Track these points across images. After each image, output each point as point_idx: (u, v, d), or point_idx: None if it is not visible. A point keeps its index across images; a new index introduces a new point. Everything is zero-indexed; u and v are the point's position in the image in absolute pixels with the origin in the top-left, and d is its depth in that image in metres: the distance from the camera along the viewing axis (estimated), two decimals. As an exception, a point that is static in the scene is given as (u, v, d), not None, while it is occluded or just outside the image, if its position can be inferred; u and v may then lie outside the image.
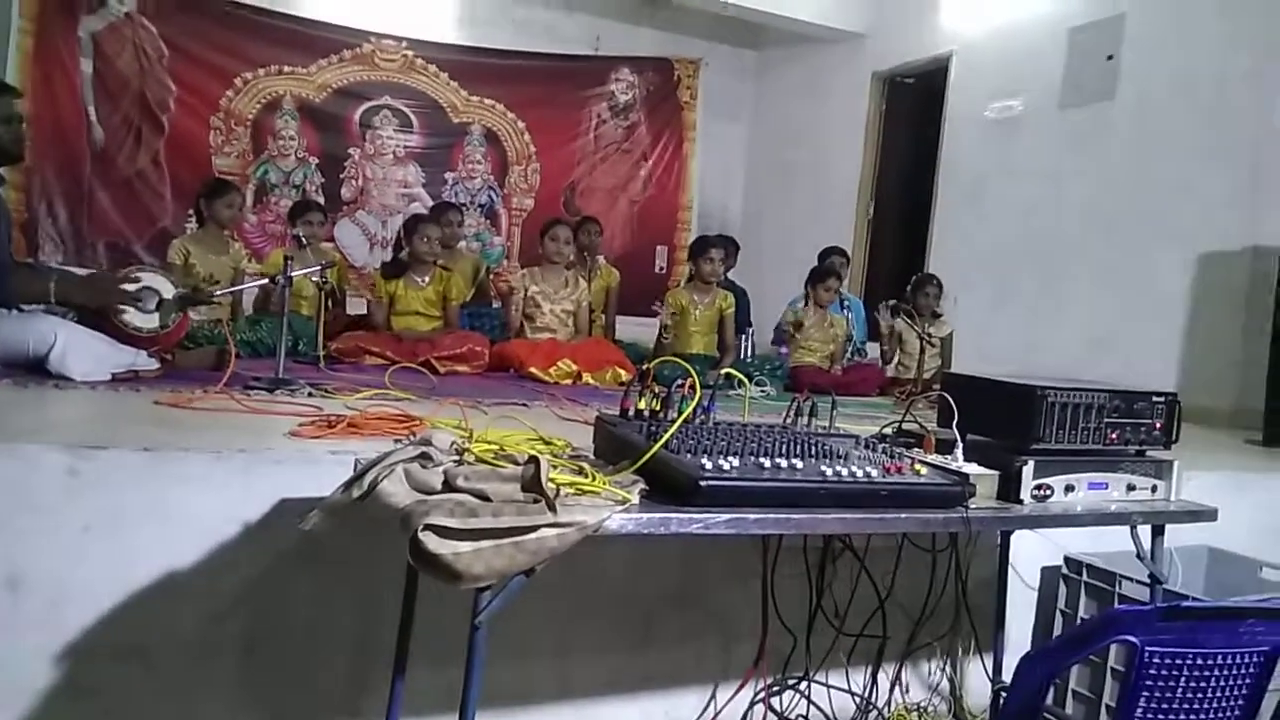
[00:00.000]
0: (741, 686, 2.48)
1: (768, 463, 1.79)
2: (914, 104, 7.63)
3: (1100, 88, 5.80)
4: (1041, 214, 6.08)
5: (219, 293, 3.13)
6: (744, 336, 5.22)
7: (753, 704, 2.51)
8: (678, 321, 5.09)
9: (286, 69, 7.48)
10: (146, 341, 3.05)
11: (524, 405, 3.34)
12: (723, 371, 2.58)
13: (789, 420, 2.21)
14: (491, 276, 6.57)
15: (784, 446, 1.89)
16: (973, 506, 1.86)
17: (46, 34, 6.76)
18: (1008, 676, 2.77)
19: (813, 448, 1.91)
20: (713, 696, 2.51)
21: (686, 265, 6.51)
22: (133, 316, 2.98)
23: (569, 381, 4.28)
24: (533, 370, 4.28)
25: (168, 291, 3.06)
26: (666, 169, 8.71)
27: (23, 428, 2.28)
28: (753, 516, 1.67)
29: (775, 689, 2.51)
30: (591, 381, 4.34)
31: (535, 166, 8.40)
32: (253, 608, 2.07)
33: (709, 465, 1.72)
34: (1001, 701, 2.72)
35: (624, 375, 4.45)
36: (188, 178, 7.00)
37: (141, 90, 7.07)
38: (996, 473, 1.99)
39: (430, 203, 7.83)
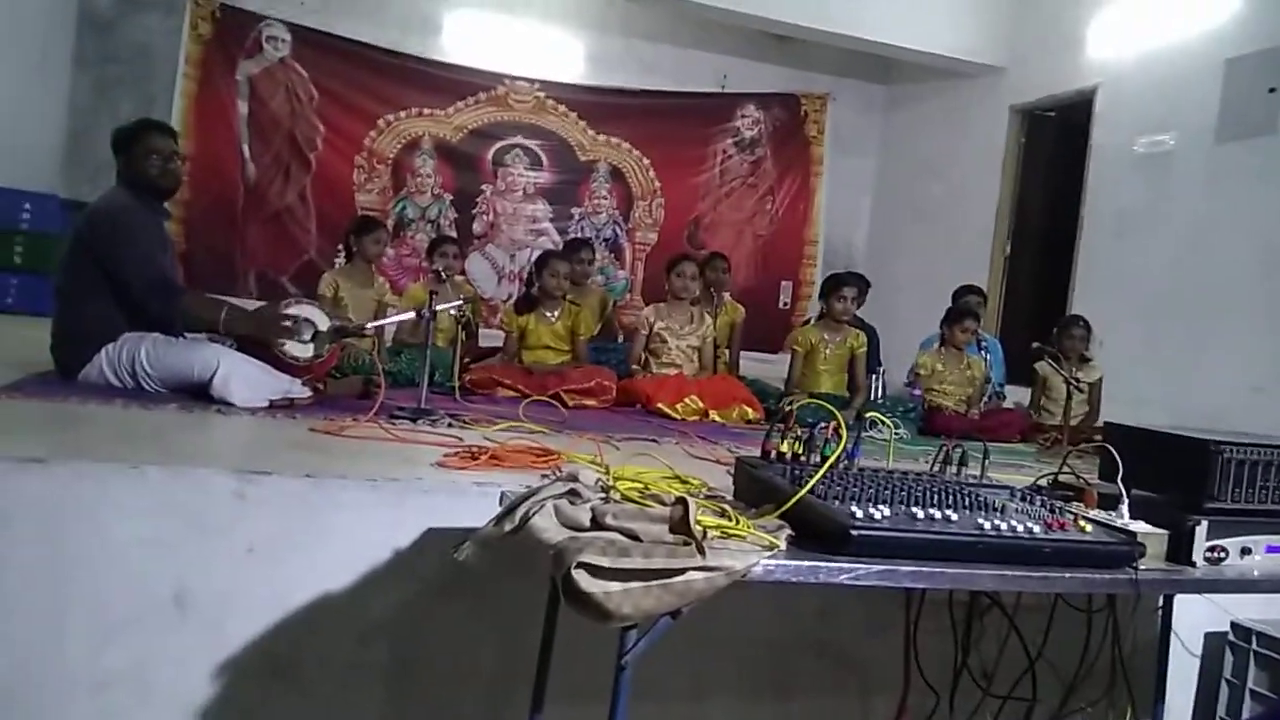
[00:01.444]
0: (880, 744, 2.39)
1: (920, 513, 1.73)
2: (1055, 138, 7.38)
3: (1261, 121, 5.47)
4: (1196, 253, 5.76)
5: (370, 325, 3.26)
6: (874, 376, 5.10)
7: (891, 761, 2.42)
8: (807, 360, 5.02)
9: (426, 111, 7.81)
10: (301, 370, 3.20)
11: (654, 441, 3.35)
12: (863, 413, 2.52)
13: (936, 468, 2.14)
14: (616, 311, 6.65)
15: (936, 496, 1.82)
16: (1140, 568, 1.75)
17: (208, 78, 7.27)
18: (1167, 749, 2.59)
19: (966, 498, 1.84)
20: (849, 752, 2.43)
21: (816, 301, 6.43)
22: (291, 347, 3.14)
23: (696, 418, 4.27)
24: (660, 406, 4.29)
25: (323, 323, 3.21)
26: (792, 204, 8.67)
27: (192, 451, 2.42)
28: (906, 569, 1.62)
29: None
30: (718, 419, 4.32)
31: (660, 201, 8.50)
32: (399, 633, 2.12)
33: (859, 514, 1.67)
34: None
35: (751, 413, 4.41)
36: (332, 213, 7.37)
37: (292, 130, 7.50)
38: (1166, 532, 1.87)
39: (557, 237, 8.01)
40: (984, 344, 5.63)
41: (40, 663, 1.90)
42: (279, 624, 2.05)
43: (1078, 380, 4.71)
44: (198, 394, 3.03)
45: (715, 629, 2.21)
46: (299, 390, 3.18)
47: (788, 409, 2.11)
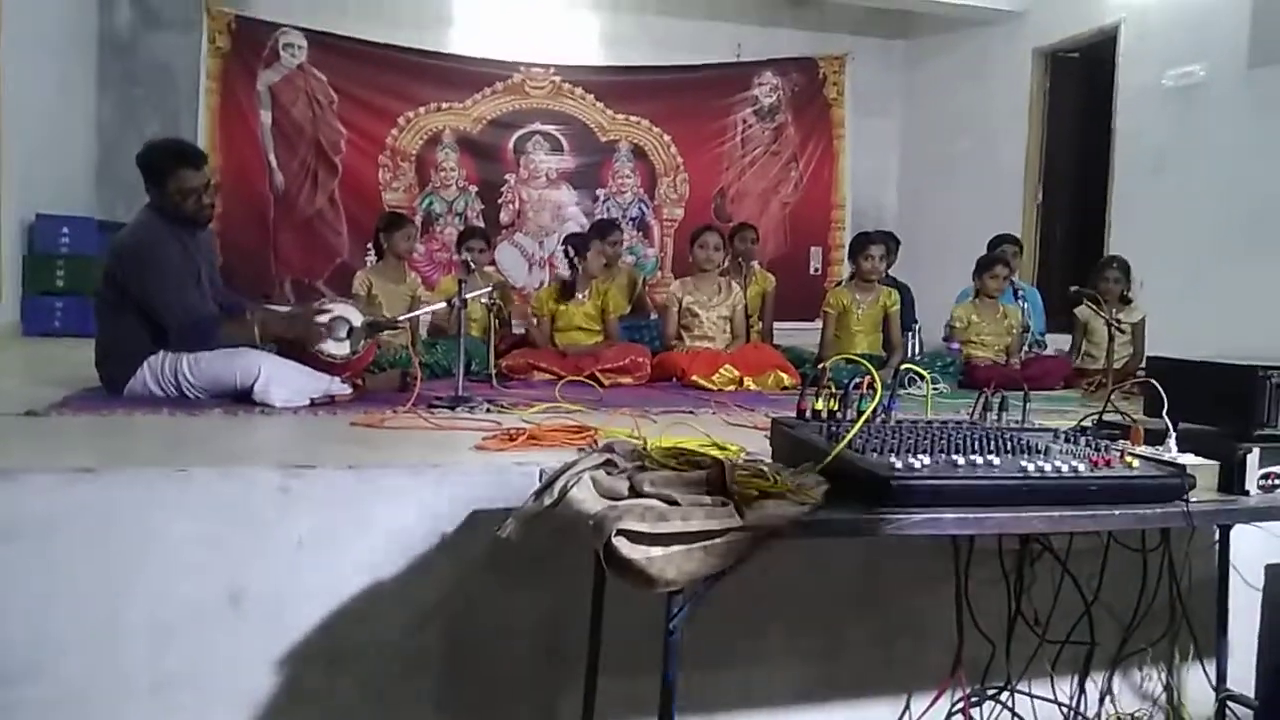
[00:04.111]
0: (938, 697, 2.38)
1: (961, 460, 1.72)
2: (1081, 79, 7.21)
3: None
4: (1236, 185, 5.60)
5: (402, 318, 3.30)
6: (910, 333, 5.05)
7: (950, 714, 2.41)
8: (841, 321, 4.98)
9: (445, 105, 7.83)
10: (340, 368, 3.24)
11: (691, 413, 3.34)
12: (901, 367, 2.50)
13: (976, 416, 2.12)
14: (647, 288, 6.63)
15: (976, 442, 1.81)
16: (1192, 500, 1.72)
17: (229, 91, 7.35)
18: (1233, 684, 2.54)
19: (1008, 443, 1.82)
20: (907, 707, 2.41)
21: (846, 264, 6.37)
22: (328, 345, 3.18)
23: (732, 388, 4.26)
24: (695, 379, 4.28)
25: (357, 320, 3.25)
26: (817, 169, 8.57)
27: (237, 451, 2.47)
28: (950, 516, 1.61)
29: (975, 699, 2.39)
30: (754, 387, 4.31)
31: (684, 176, 8.45)
32: (451, 615, 2.15)
33: (899, 464, 1.66)
34: (1228, 710, 2.51)
35: (786, 379, 4.39)
36: (361, 214, 7.43)
37: (315, 135, 7.57)
38: (1216, 463, 1.83)
39: (584, 220, 8.00)
40: (1021, 293, 5.54)
41: (100, 666, 1.95)
42: (332, 614, 2.08)
43: (1119, 321, 4.62)
44: (241, 399, 3.08)
45: (760, 592, 2.20)
46: (339, 388, 3.23)
47: (821, 366, 2.09)
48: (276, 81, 7.50)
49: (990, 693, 2.41)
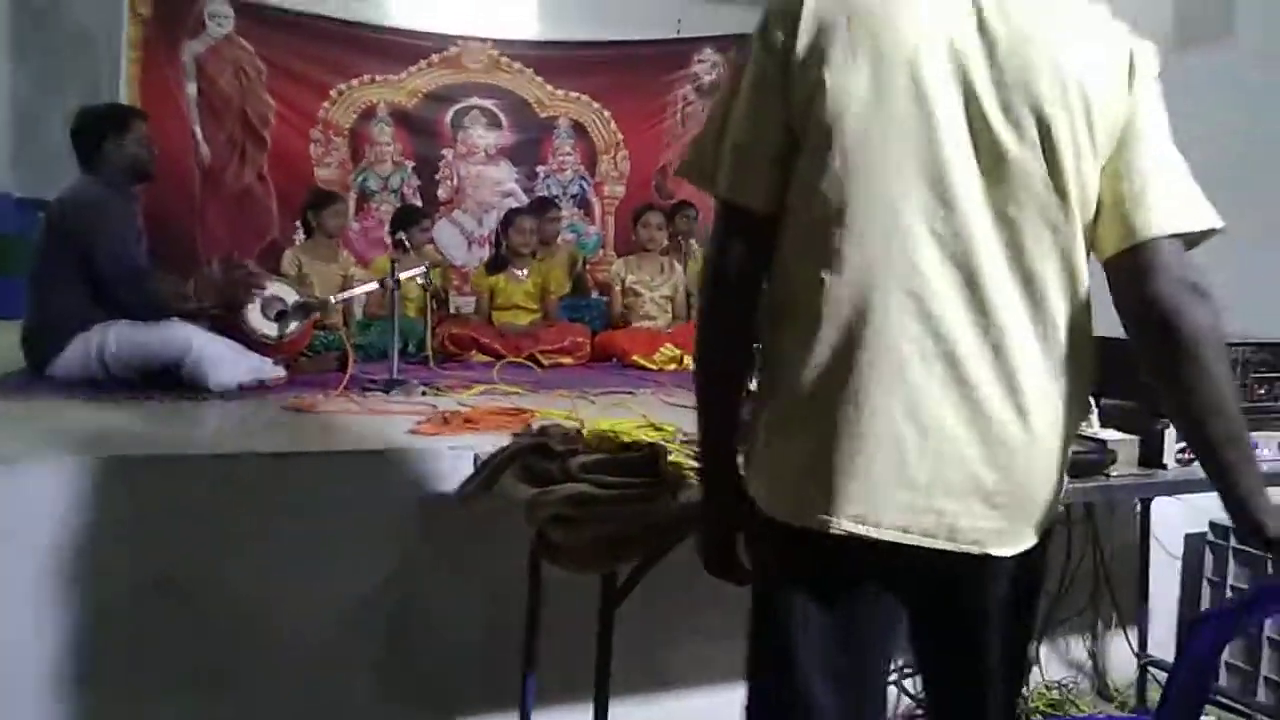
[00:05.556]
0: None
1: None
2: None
3: (1217, 24, 5.43)
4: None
5: (335, 299, 3.23)
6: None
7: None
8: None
9: (379, 78, 7.64)
10: (273, 349, 3.17)
11: (630, 393, 3.34)
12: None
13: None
14: (588, 266, 6.60)
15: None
16: (1113, 474, 1.77)
17: (152, 60, 7.06)
18: (1154, 649, 2.64)
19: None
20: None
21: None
22: (259, 323, 3.11)
23: (673, 367, 4.27)
24: (636, 358, 4.28)
25: (290, 299, 3.18)
26: (757, 146, 8.60)
27: (167, 439, 2.39)
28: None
29: (909, 671, 2.44)
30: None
31: (624, 154, 8.39)
32: (391, 601, 2.12)
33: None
34: (1149, 675, 2.60)
35: (728, 357, 4.40)
36: (292, 190, 7.22)
37: (243, 108, 7.32)
38: (1137, 438, 1.89)
39: (524, 198, 7.91)
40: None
41: (31, 657, 1.90)
42: (266, 605, 2.04)
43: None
44: (168, 378, 2.98)
45: (692, 572, 2.21)
46: (271, 370, 3.15)
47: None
48: (202, 52, 7.23)
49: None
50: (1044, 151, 0.99)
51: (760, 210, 1.03)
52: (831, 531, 1.00)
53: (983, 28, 0.99)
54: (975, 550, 1.02)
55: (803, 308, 1.00)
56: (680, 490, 1.52)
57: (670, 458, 1.61)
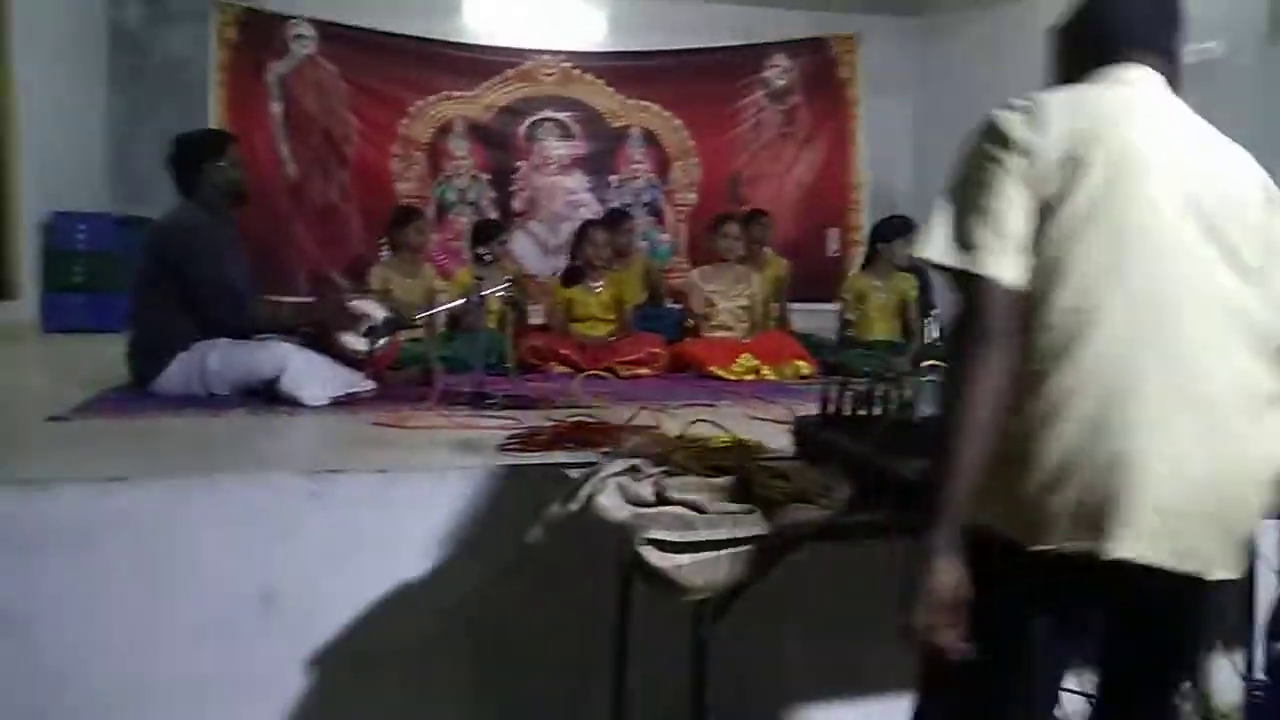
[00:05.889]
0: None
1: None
2: (1097, 56, 7.12)
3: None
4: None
5: (420, 316, 3.32)
6: (929, 319, 5.02)
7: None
8: (858, 308, 4.97)
9: (455, 93, 7.81)
10: (363, 364, 3.27)
11: (710, 405, 3.34)
12: (919, 359, 2.49)
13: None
14: (662, 275, 6.62)
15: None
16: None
17: (240, 83, 7.33)
18: (1260, 672, 2.54)
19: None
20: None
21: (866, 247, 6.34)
22: (352, 340, 3.22)
23: (750, 377, 4.26)
24: (713, 369, 4.29)
25: (379, 316, 3.28)
26: (831, 150, 8.51)
27: (264, 455, 2.49)
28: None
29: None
30: (772, 376, 4.30)
31: (696, 161, 8.40)
32: (478, 618, 2.17)
33: (925, 466, 1.66)
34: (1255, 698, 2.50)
35: (805, 368, 4.39)
36: (374, 204, 7.42)
37: (326, 126, 7.55)
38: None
39: (597, 207, 7.99)
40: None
41: (136, 670, 1.99)
42: (362, 618, 2.11)
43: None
44: (266, 393, 3.10)
45: (784, 593, 2.21)
46: (361, 384, 3.25)
47: (840, 362, 2.08)
48: (287, 73, 7.48)
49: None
50: (1233, 248, 1.24)
51: (1015, 283, 1.21)
52: (1098, 557, 1.16)
53: (1184, 145, 1.27)
54: (1204, 574, 1.20)
55: (1064, 356, 1.19)
56: (775, 513, 1.52)
57: (761, 479, 1.61)
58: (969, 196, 1.26)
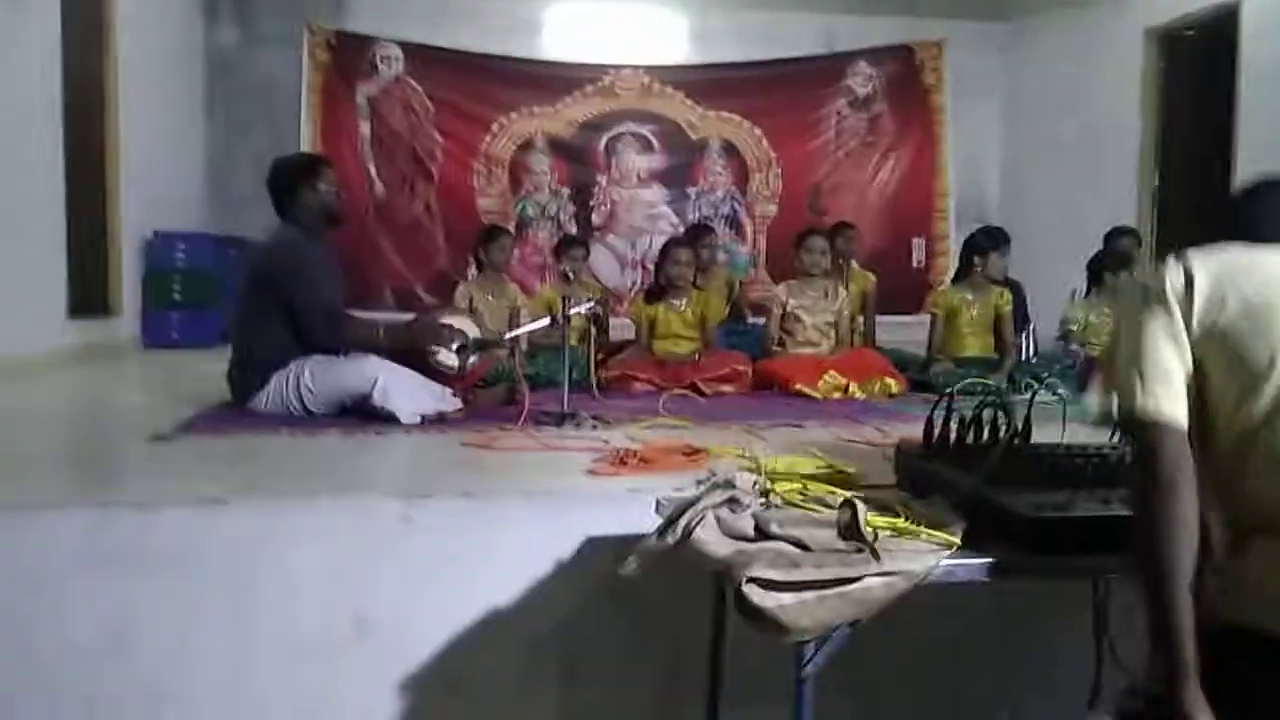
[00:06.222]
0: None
1: (1109, 494, 1.62)
2: (1198, 59, 6.82)
3: None
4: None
5: (509, 335, 3.33)
6: (1024, 334, 4.85)
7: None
8: (949, 323, 4.82)
9: (536, 109, 7.89)
10: (453, 380, 3.30)
11: (798, 426, 3.27)
12: (1016, 376, 2.38)
13: (1117, 441, 2.00)
14: (742, 288, 6.53)
15: (1122, 473, 1.70)
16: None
17: (330, 104, 7.56)
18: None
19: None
20: (1038, 738, 2.31)
21: (954, 259, 6.17)
22: (444, 357, 3.26)
23: (837, 395, 4.16)
24: (799, 386, 4.20)
25: (473, 333, 3.31)
26: (916, 158, 8.35)
27: (358, 477, 2.51)
28: (1105, 561, 1.52)
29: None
30: (859, 394, 4.19)
31: (776, 172, 8.35)
32: (567, 643, 2.14)
33: (1040, 501, 1.58)
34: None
35: (894, 385, 4.27)
36: (456, 220, 7.56)
37: (412, 144, 7.72)
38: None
39: (675, 220, 7.98)
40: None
41: (234, 692, 2.01)
42: (452, 641, 2.09)
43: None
44: (358, 408, 3.14)
45: (882, 628, 2.13)
46: (450, 403, 3.27)
47: (948, 389, 1.99)
48: (375, 93, 7.68)
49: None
50: None
51: (1183, 424, 1.28)
52: None
53: None
54: None
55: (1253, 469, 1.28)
56: (884, 552, 1.46)
57: (867, 515, 1.54)
58: (1133, 351, 1.34)
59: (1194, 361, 1.31)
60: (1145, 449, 1.29)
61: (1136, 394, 1.30)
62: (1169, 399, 1.28)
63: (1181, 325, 1.31)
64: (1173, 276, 1.33)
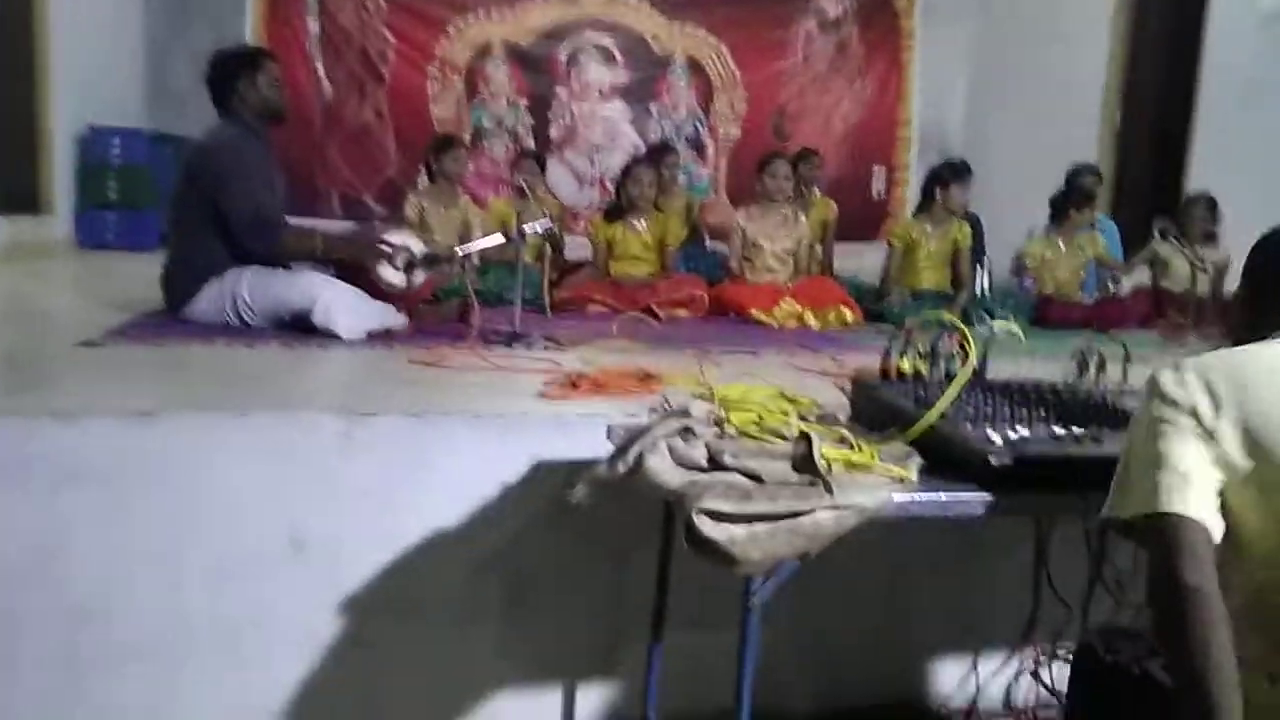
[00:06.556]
0: (1009, 658, 2.32)
1: (1063, 432, 1.61)
2: (1168, 2, 6.75)
3: None
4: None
5: (461, 251, 3.21)
6: (979, 268, 4.84)
7: (1018, 675, 2.36)
8: (906, 255, 4.79)
9: (495, 14, 7.56)
10: (397, 298, 3.18)
11: (754, 354, 3.24)
12: (970, 310, 2.36)
13: (1073, 376, 1.99)
14: (700, 210, 6.43)
15: (1079, 411, 1.70)
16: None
17: (276, -3, 7.15)
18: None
19: (1113, 411, 1.70)
20: (974, 667, 2.36)
21: (913, 190, 6.13)
22: (386, 273, 3.13)
23: (793, 323, 4.14)
24: (755, 313, 4.16)
25: (418, 250, 3.18)
26: (882, 84, 8.19)
27: (298, 392, 2.42)
28: (1057, 499, 1.51)
29: (1045, 661, 2.32)
30: (815, 323, 4.17)
31: (741, 93, 8.13)
32: (513, 565, 2.11)
33: (996, 437, 1.56)
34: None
35: (849, 315, 4.27)
36: (409, 127, 7.27)
37: (363, 44, 7.36)
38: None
39: (636, 138, 7.78)
40: (1097, 225, 5.29)
41: (166, 609, 1.95)
42: (394, 562, 2.05)
43: (1201, 260, 4.39)
44: (298, 325, 3.02)
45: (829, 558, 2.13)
46: (395, 319, 3.16)
47: (904, 321, 1.96)
48: (324, -14, 7.27)
49: (1062, 654, 2.33)
50: None
51: (1207, 522, 1.17)
52: None
53: None
54: None
55: None
56: (837, 485, 1.43)
57: (822, 448, 1.51)
58: (1148, 450, 1.24)
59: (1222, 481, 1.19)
60: (1169, 550, 1.16)
61: (1159, 494, 1.18)
62: (1199, 497, 1.18)
63: (1198, 426, 1.21)
64: (1183, 377, 1.24)
